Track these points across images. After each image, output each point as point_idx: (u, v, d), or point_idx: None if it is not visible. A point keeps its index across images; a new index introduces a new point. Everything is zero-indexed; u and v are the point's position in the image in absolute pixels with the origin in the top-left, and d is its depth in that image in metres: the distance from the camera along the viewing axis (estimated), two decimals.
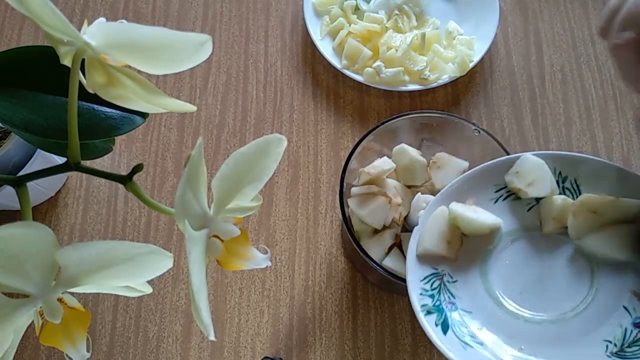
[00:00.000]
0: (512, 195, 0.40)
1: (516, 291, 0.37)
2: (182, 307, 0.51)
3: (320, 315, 0.51)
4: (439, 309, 0.36)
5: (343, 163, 0.44)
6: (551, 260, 0.38)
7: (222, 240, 0.27)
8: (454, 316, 0.36)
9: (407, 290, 0.37)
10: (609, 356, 0.35)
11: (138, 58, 0.27)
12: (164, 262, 0.27)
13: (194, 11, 0.64)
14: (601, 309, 0.36)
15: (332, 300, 0.51)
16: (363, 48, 0.57)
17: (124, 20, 0.28)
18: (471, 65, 0.57)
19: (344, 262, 0.52)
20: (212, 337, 0.24)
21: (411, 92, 0.59)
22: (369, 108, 0.59)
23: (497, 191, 0.40)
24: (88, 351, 0.26)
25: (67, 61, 0.28)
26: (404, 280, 0.40)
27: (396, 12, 0.60)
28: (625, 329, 0.35)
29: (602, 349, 0.35)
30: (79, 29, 0.27)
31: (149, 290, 0.32)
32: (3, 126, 0.47)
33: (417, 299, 0.36)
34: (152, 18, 0.64)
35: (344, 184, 0.43)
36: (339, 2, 0.61)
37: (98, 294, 0.51)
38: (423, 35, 0.57)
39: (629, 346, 0.35)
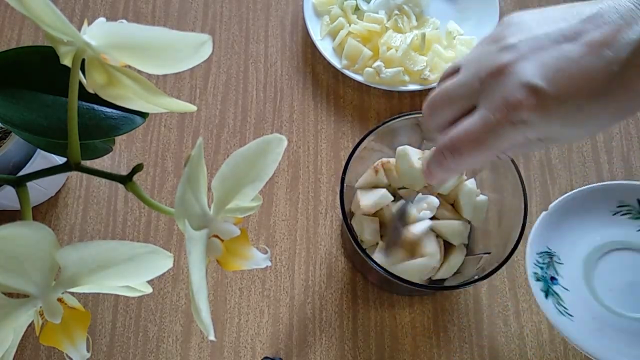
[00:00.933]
0: (628, 214, 0.47)
1: (607, 288, 0.45)
2: (182, 307, 0.51)
3: (320, 315, 0.51)
4: (545, 280, 0.44)
5: (343, 163, 0.44)
6: None
7: (222, 240, 0.27)
8: (555, 289, 0.44)
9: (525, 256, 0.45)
10: None
11: (138, 58, 0.27)
12: (164, 262, 0.27)
13: (194, 11, 0.64)
14: None
15: (332, 300, 0.51)
16: (363, 48, 0.57)
17: (124, 20, 0.28)
18: None
19: (344, 262, 0.52)
20: (212, 337, 0.24)
21: (411, 92, 0.59)
22: (369, 108, 0.59)
23: (618, 206, 0.47)
24: (88, 351, 0.26)
25: (67, 61, 0.28)
26: (404, 281, 0.40)
27: (396, 12, 0.60)
28: None
29: None
30: (79, 29, 0.27)
31: (149, 290, 0.32)
32: (3, 126, 0.47)
33: (531, 266, 0.45)
34: (152, 18, 0.64)
35: (344, 184, 0.43)
36: (339, 2, 0.61)
37: (98, 294, 0.51)
38: (423, 35, 0.57)
39: None
